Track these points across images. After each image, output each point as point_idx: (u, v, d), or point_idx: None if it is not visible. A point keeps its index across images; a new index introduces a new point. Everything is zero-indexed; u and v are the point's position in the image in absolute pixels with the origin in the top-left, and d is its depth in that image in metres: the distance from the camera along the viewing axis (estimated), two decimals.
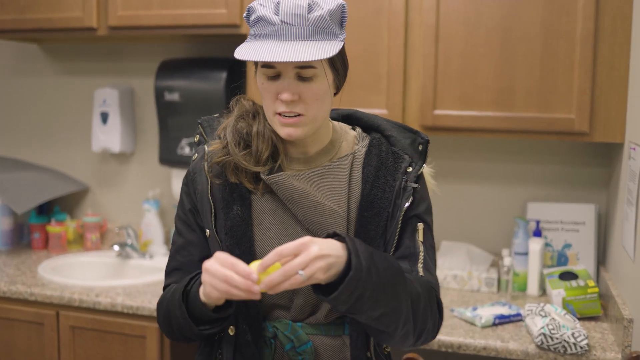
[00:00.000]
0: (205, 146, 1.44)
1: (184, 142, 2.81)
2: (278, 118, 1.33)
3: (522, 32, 2.28)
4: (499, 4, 2.29)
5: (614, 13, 2.20)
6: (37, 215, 3.11)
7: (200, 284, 1.29)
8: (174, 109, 2.80)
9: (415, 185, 1.42)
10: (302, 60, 1.23)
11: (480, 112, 2.34)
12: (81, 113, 3.20)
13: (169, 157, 2.86)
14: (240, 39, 2.64)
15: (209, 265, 1.22)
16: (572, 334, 2.01)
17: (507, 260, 2.51)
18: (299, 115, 1.32)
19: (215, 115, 1.52)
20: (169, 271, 1.48)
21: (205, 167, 1.41)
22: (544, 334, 2.02)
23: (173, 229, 2.95)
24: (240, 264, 1.19)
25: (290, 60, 1.23)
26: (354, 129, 1.51)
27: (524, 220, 2.57)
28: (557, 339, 2.01)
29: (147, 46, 3.06)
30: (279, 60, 1.23)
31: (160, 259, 2.91)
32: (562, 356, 2.01)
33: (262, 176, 1.38)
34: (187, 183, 1.46)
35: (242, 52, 1.28)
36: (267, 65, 1.30)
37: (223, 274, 1.19)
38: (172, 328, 1.39)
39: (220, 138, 1.42)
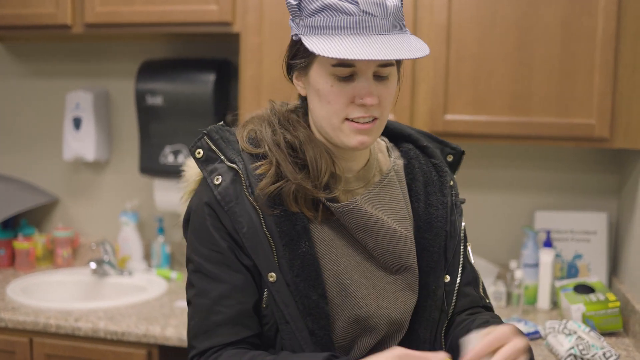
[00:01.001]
0: (233, 165, 1.17)
1: (168, 149, 2.60)
2: (350, 124, 1.13)
3: (540, 32, 2.15)
4: (515, 2, 2.16)
5: (637, 13, 2.09)
6: (2, 230, 2.86)
7: None
8: (157, 114, 2.59)
9: (464, 199, 1.34)
10: (417, 56, 1.07)
11: (494, 117, 2.20)
12: (51, 118, 2.97)
13: (150, 166, 2.64)
14: (230, 38, 2.47)
15: None
16: (604, 354, 1.88)
17: (518, 273, 2.38)
18: (374, 119, 1.14)
19: (221, 124, 1.25)
20: (210, 329, 1.15)
21: (247, 194, 1.15)
22: (574, 355, 1.89)
23: (154, 243, 2.76)
24: None
25: (408, 57, 1.07)
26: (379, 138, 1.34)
27: (532, 230, 2.44)
28: (587, 359, 1.88)
29: (124, 45, 2.85)
30: (396, 58, 1.06)
31: (140, 276, 2.69)
32: None
33: (329, 204, 1.16)
34: (217, 215, 1.16)
35: (326, 48, 1.06)
36: (342, 64, 1.10)
37: None
38: None
39: (257, 156, 1.18)
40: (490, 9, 2.18)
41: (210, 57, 2.64)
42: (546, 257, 2.40)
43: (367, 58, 1.04)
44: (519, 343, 1.05)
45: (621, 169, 2.47)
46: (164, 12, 2.40)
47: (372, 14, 1.08)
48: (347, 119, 1.13)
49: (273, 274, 1.14)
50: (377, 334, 1.20)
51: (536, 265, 2.42)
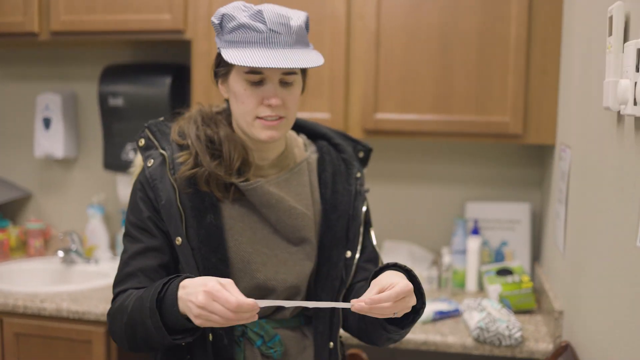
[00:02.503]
0: (163, 152, 1.44)
1: (129, 147, 2.81)
2: (260, 122, 1.39)
3: (459, 38, 2.37)
4: (438, 11, 2.38)
5: (546, 21, 2.32)
6: None
7: (174, 292, 1.26)
8: (118, 114, 2.80)
9: (368, 189, 1.59)
10: (310, 66, 1.32)
11: (420, 116, 2.42)
12: (23, 119, 3.16)
13: (113, 162, 2.85)
14: (184, 44, 2.68)
15: (209, 305, 1.18)
16: (507, 327, 2.10)
17: (446, 259, 2.61)
18: (281, 118, 1.39)
19: (161, 119, 1.53)
20: (122, 278, 1.43)
21: (169, 174, 1.42)
22: (480, 328, 2.11)
23: (119, 233, 2.97)
24: (244, 304, 1.17)
25: (302, 66, 1.31)
26: (298, 135, 1.59)
27: (462, 220, 2.66)
28: (492, 331, 2.10)
29: (89, 51, 3.05)
30: (292, 67, 1.30)
31: (106, 264, 2.90)
32: (497, 348, 2.11)
33: (237, 183, 1.42)
34: (144, 189, 1.44)
35: (238, 58, 1.32)
36: (253, 71, 1.35)
37: (230, 318, 1.18)
38: (134, 338, 1.34)
39: (181, 147, 1.45)
40: (415, 18, 2.40)
41: (167, 62, 2.85)
42: (473, 244, 2.62)
43: (267, 66, 1.30)
44: (404, 285, 1.25)
45: (541, 163, 2.70)
46: (122, 20, 2.61)
47: (277, 32, 1.33)
48: (257, 117, 1.39)
49: (179, 239, 1.40)
50: (276, 296, 1.44)
51: (464, 251, 2.65)
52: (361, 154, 1.62)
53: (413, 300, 1.28)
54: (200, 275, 1.35)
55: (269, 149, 1.48)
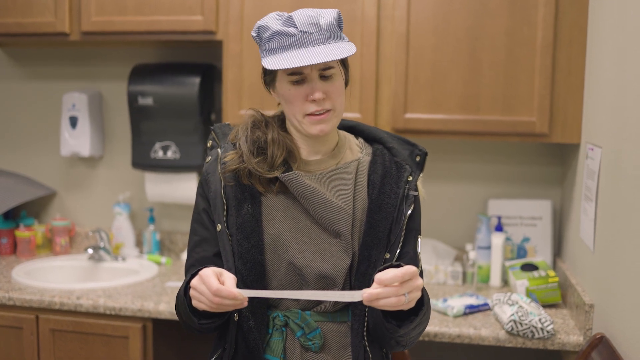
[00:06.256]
0: (219, 150, 1.58)
1: (158, 145, 2.86)
2: (309, 118, 1.47)
3: (487, 41, 2.44)
4: (466, 14, 2.45)
5: (571, 24, 2.39)
6: (4, 221, 3.09)
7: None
8: (147, 113, 2.84)
9: (416, 193, 1.61)
10: (339, 57, 1.38)
11: (448, 116, 2.49)
12: (49, 118, 3.19)
13: (142, 161, 2.90)
14: (215, 44, 2.73)
15: (198, 285, 1.35)
16: (539, 320, 2.17)
17: (472, 254, 2.68)
18: (328, 110, 1.47)
19: (226, 123, 1.66)
20: (187, 268, 1.58)
21: (219, 169, 1.54)
22: (514, 321, 2.18)
23: (145, 231, 3.02)
24: (223, 290, 1.30)
25: (330, 59, 1.38)
26: (356, 138, 1.66)
27: (486, 217, 2.73)
28: (526, 324, 2.17)
29: (116, 51, 3.08)
30: (322, 61, 1.37)
31: (132, 262, 2.95)
32: (530, 340, 2.18)
33: (278, 175, 1.51)
34: (202, 184, 1.59)
35: (275, 63, 1.41)
36: (293, 72, 1.44)
37: (212, 301, 1.32)
38: (182, 321, 1.53)
39: (235, 145, 1.57)
40: (444, 20, 2.46)
41: (196, 62, 2.90)
42: (497, 240, 2.69)
43: (300, 65, 1.38)
44: (407, 267, 1.30)
45: (563, 161, 2.77)
46: (153, 21, 2.66)
47: (308, 32, 1.41)
48: (306, 115, 1.47)
49: (219, 225, 1.53)
50: (308, 286, 1.51)
51: (489, 247, 2.72)
52: (418, 158, 1.65)
53: (420, 282, 1.33)
54: (235, 259, 1.49)
55: (319, 142, 1.56)
